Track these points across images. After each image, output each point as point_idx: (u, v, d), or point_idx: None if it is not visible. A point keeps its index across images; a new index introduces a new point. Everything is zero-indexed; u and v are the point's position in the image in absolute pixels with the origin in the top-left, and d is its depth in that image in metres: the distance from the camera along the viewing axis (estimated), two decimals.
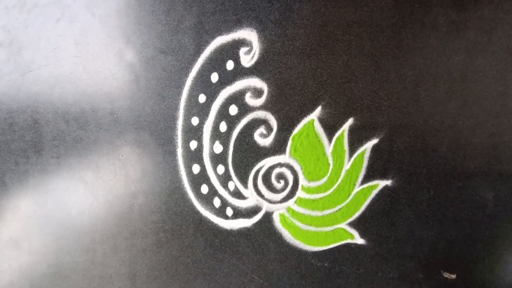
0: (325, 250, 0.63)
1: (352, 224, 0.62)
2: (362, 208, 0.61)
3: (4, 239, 0.68)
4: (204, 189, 0.63)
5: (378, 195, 0.61)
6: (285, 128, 0.60)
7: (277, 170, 0.62)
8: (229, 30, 0.58)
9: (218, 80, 0.60)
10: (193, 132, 0.61)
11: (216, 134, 0.61)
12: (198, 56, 0.59)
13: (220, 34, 0.58)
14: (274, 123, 0.60)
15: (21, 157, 0.64)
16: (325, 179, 0.61)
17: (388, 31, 0.57)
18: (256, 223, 0.63)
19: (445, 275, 0.63)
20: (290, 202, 0.62)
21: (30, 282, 0.69)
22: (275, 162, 0.61)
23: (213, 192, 0.63)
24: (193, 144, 0.62)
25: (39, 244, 0.67)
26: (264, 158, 0.61)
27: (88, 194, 0.65)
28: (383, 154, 0.60)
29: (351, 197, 0.61)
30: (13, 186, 0.66)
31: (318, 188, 0.61)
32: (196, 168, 0.62)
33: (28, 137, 0.64)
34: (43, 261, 0.68)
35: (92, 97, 0.62)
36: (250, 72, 0.59)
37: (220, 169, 0.62)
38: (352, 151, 0.60)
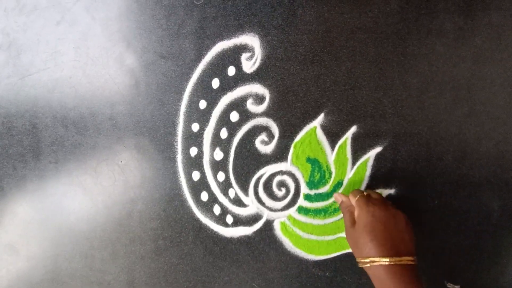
0: (326, 259, 0.62)
1: None
2: None
3: (1, 245, 0.67)
4: (204, 196, 0.62)
5: None
6: (287, 135, 0.59)
7: (278, 178, 0.61)
8: (230, 35, 0.57)
9: (219, 86, 0.59)
10: (193, 139, 0.61)
11: (216, 141, 0.60)
12: (199, 62, 0.58)
13: (222, 39, 0.58)
14: (275, 130, 0.59)
15: (19, 162, 0.64)
16: (327, 187, 0.60)
17: (393, 38, 0.56)
18: (257, 231, 0.62)
19: (449, 286, 0.62)
20: (291, 210, 0.61)
21: (28, 287, 0.68)
22: (277, 170, 0.60)
23: (213, 199, 0.62)
24: (193, 151, 0.61)
25: (37, 250, 0.67)
26: (265, 166, 0.61)
27: (86, 200, 0.64)
28: (387, 163, 0.59)
29: None
30: (11, 191, 0.65)
31: (320, 196, 0.61)
32: (196, 175, 0.62)
33: (26, 142, 0.63)
34: (41, 266, 0.67)
35: (92, 101, 0.61)
36: (252, 78, 0.58)
37: (221, 176, 0.61)
38: (355, 159, 0.59)
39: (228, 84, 0.59)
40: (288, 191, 0.61)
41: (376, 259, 0.45)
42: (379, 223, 0.47)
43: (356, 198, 0.52)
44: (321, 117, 0.58)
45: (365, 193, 0.53)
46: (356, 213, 0.51)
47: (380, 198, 0.52)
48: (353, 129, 0.58)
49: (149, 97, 0.60)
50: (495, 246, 0.60)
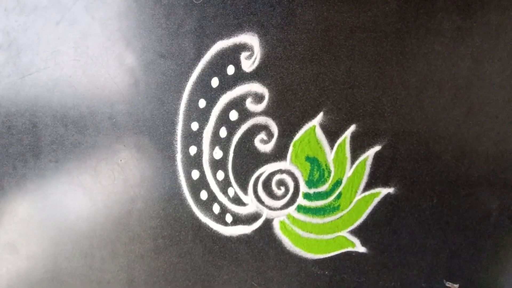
0: (325, 258, 0.62)
1: (353, 232, 0.61)
2: (364, 216, 0.61)
3: (1, 244, 0.67)
4: (204, 195, 0.62)
5: (380, 203, 0.60)
6: (286, 134, 0.59)
7: (277, 177, 0.61)
8: (230, 34, 0.57)
9: (219, 85, 0.59)
10: (193, 138, 0.61)
11: (216, 140, 0.60)
12: (199, 61, 0.59)
13: (221, 38, 0.58)
14: (275, 129, 0.59)
15: (19, 161, 0.64)
16: (326, 186, 0.60)
17: (392, 37, 0.56)
18: (256, 230, 0.62)
19: (448, 285, 0.62)
20: (291, 209, 0.61)
21: (28, 286, 0.68)
22: (276, 169, 0.61)
23: (212, 198, 0.62)
24: (193, 150, 0.61)
25: (37, 249, 0.67)
26: (264, 165, 0.61)
27: (86, 199, 0.64)
28: (386, 162, 0.59)
29: (352, 204, 0.60)
30: (11, 190, 0.65)
31: (319, 195, 0.61)
32: (195, 174, 0.62)
33: (26, 141, 0.63)
34: (41, 266, 0.67)
35: (91, 101, 0.61)
36: (251, 77, 0.58)
37: (220, 175, 0.61)
38: (354, 158, 0.59)
39: (228, 83, 0.59)
40: (287, 190, 0.61)
41: None
42: None
43: None
44: (320, 116, 0.58)
45: None
46: None
47: None
48: (352, 128, 0.58)
49: (149, 96, 0.60)
50: (494, 245, 0.60)
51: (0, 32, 0.62)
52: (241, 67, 0.58)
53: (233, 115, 0.59)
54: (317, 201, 0.61)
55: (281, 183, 0.61)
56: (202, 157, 0.61)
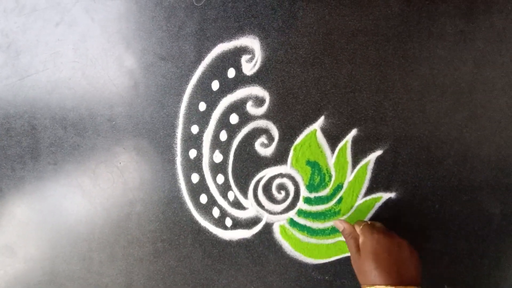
0: (326, 262, 0.62)
1: None
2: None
3: None
4: (203, 198, 0.62)
5: (381, 208, 0.60)
6: (287, 138, 0.59)
7: (278, 181, 0.60)
8: (231, 37, 0.57)
9: (219, 88, 0.58)
10: (193, 141, 0.60)
11: (216, 143, 0.60)
12: (199, 63, 0.58)
13: (222, 41, 0.57)
14: (275, 132, 0.59)
15: (18, 163, 0.64)
16: (327, 190, 0.60)
17: (394, 40, 0.55)
18: (256, 234, 0.62)
19: None
20: (291, 213, 0.61)
21: None
22: (276, 173, 0.60)
23: (212, 202, 0.62)
24: (193, 153, 0.61)
25: (35, 252, 0.66)
26: (264, 168, 0.60)
27: (85, 202, 0.64)
28: (387, 166, 0.58)
29: (353, 209, 0.60)
30: (9, 192, 0.65)
31: (320, 199, 0.60)
32: (195, 177, 0.61)
33: (25, 143, 0.63)
34: (39, 268, 0.67)
35: (91, 103, 0.61)
36: (252, 80, 0.58)
37: (220, 178, 0.61)
38: (355, 162, 0.59)
39: (228, 86, 0.58)
40: (287, 194, 0.61)
41: (382, 287, 0.45)
42: (384, 251, 0.47)
43: (361, 226, 0.52)
44: (321, 120, 0.58)
45: (369, 222, 0.54)
46: (360, 240, 0.51)
47: (384, 227, 0.53)
48: (354, 132, 0.58)
49: (149, 99, 0.60)
50: (496, 251, 0.60)
51: None
52: (241, 70, 0.58)
53: (234, 119, 0.59)
54: (318, 206, 0.60)
55: (281, 187, 0.61)
56: (202, 161, 0.61)
